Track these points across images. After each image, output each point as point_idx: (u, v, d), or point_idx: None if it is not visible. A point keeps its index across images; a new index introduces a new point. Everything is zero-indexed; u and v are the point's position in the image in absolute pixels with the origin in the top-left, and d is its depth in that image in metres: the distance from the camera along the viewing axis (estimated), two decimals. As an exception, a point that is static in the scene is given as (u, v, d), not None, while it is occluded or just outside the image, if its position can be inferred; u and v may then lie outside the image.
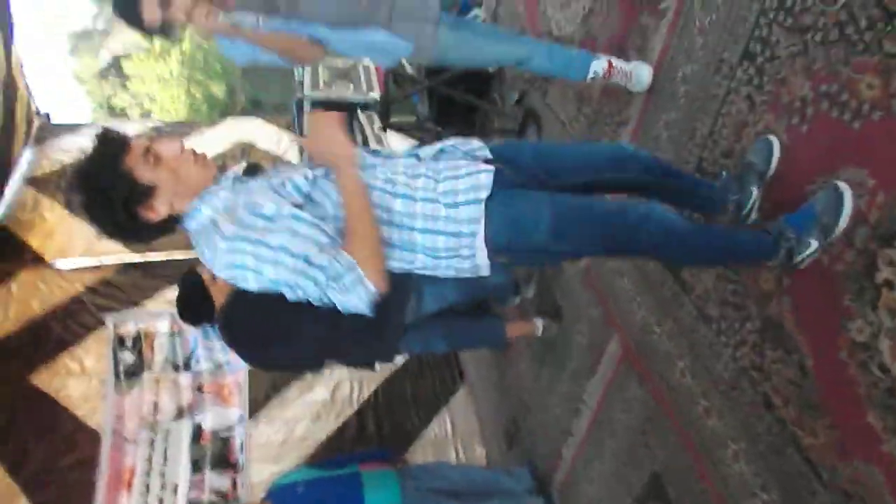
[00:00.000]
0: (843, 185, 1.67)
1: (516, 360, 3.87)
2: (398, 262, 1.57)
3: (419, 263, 1.58)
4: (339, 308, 1.42)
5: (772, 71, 1.95)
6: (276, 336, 2.28)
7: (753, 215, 1.93)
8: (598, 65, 2.65)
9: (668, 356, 2.43)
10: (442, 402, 4.48)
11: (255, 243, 1.38)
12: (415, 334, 2.96)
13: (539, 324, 3.33)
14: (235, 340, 2.48)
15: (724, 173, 2.06)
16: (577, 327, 3.14)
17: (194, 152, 1.51)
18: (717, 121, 2.20)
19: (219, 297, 2.40)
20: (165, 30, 2.13)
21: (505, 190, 1.60)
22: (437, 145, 1.70)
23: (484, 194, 1.56)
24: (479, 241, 1.56)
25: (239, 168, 1.62)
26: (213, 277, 2.49)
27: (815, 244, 1.70)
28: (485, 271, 1.62)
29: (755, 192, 1.89)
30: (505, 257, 1.63)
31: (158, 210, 1.48)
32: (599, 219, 1.65)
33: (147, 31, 2.13)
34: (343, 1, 2.30)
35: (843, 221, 1.66)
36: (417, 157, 1.67)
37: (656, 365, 2.50)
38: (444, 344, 3.12)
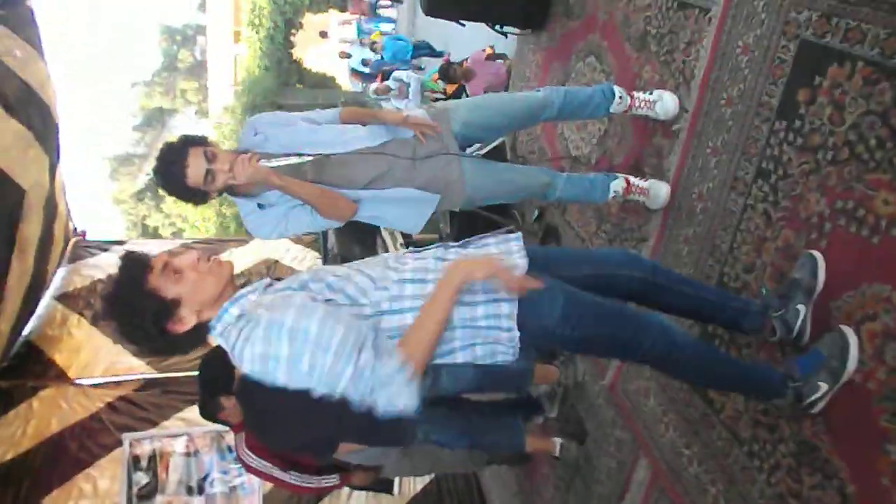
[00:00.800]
0: (847, 330, 1.69)
1: (542, 484, 3.70)
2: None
3: (457, 343, 1.57)
4: (379, 409, 1.43)
5: (786, 188, 1.98)
6: (291, 404, 2.25)
7: (806, 337, 1.82)
8: (617, 184, 2.71)
9: (699, 480, 2.31)
10: (464, 535, 4.25)
11: (292, 330, 1.37)
12: (435, 424, 2.88)
13: (557, 443, 3.21)
14: (250, 410, 2.44)
15: (764, 290, 2.01)
16: (605, 448, 3.02)
17: (207, 257, 1.55)
18: (737, 236, 2.21)
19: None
20: (203, 194, 2.18)
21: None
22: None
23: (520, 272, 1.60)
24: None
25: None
26: None
27: (824, 387, 1.69)
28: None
29: (803, 309, 1.79)
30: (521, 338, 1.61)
31: (186, 321, 1.51)
32: (605, 313, 1.66)
33: (189, 193, 2.17)
34: (366, 165, 2.34)
35: (851, 365, 1.66)
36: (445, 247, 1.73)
37: (688, 490, 2.37)
38: (464, 440, 3.03)
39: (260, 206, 2.34)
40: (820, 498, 1.79)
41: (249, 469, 2.95)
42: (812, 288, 1.80)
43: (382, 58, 10.04)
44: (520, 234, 1.73)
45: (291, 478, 2.94)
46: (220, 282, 1.53)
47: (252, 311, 1.47)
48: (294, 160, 2.21)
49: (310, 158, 2.25)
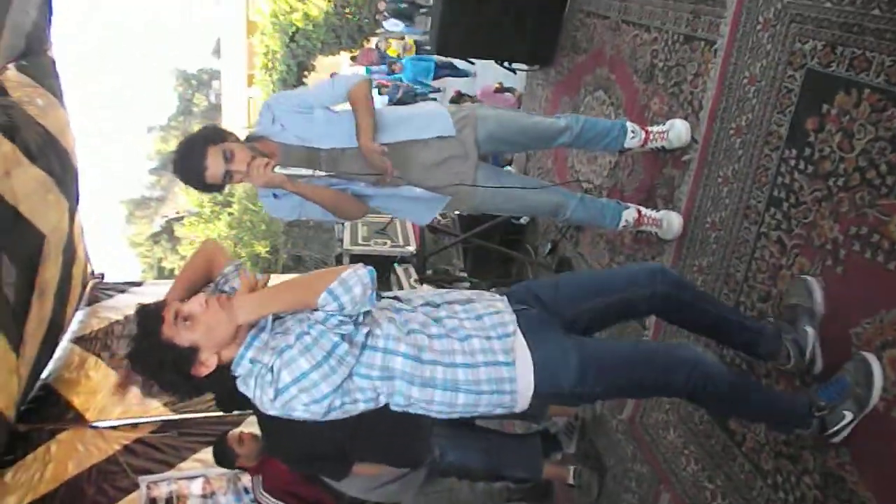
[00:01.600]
0: (870, 357, 1.66)
1: (562, 520, 3.63)
2: (439, 406, 1.58)
3: (461, 401, 1.59)
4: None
5: (799, 215, 1.98)
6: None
7: (819, 363, 1.83)
8: (629, 214, 2.72)
9: (724, 515, 2.26)
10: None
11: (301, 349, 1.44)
12: (453, 440, 2.85)
13: (570, 470, 3.17)
14: (267, 428, 2.44)
15: (771, 319, 2.01)
16: (625, 483, 2.97)
17: (217, 298, 1.55)
18: (751, 265, 2.20)
19: None
20: (220, 186, 2.21)
21: (532, 331, 1.63)
22: (451, 295, 1.75)
23: (511, 328, 1.62)
24: (520, 371, 1.58)
25: None
26: None
27: (849, 415, 1.66)
28: (522, 404, 1.62)
29: (811, 331, 1.82)
30: (534, 398, 1.63)
31: (208, 363, 1.52)
32: (626, 362, 1.66)
33: (207, 188, 2.21)
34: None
35: (877, 392, 1.63)
36: (434, 304, 1.71)
37: (713, 525, 2.32)
38: (480, 459, 2.99)
39: (275, 195, 2.38)
40: (848, 531, 1.75)
41: None
42: (811, 309, 1.83)
43: (402, 79, 9.67)
44: (505, 297, 1.72)
45: None
46: (231, 321, 1.52)
47: (259, 355, 1.51)
48: (307, 173, 2.22)
49: (323, 174, 2.26)
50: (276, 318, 1.60)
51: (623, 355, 1.67)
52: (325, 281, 1.45)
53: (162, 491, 3.87)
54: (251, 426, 2.99)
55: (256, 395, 1.47)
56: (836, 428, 1.68)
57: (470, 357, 1.57)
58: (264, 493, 2.98)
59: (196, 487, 3.93)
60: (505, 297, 1.71)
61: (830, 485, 1.81)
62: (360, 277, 1.45)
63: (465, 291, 1.78)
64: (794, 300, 1.88)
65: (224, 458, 3.16)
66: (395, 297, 1.72)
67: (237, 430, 3.29)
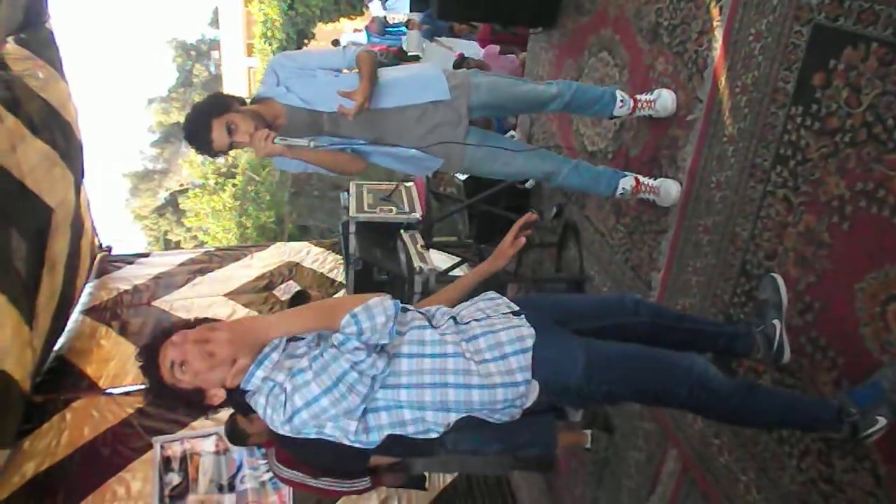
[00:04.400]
0: None
1: (571, 481, 3.70)
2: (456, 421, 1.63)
3: (476, 410, 1.64)
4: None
5: (805, 173, 1.98)
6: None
7: (786, 353, 1.90)
8: (626, 182, 2.77)
9: (729, 469, 2.31)
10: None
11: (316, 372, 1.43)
12: (463, 432, 2.89)
13: (588, 434, 3.21)
14: (291, 447, 2.47)
15: (740, 316, 2.15)
16: (633, 441, 3.02)
17: (199, 334, 1.51)
18: (757, 224, 2.21)
19: None
20: (226, 152, 2.38)
21: (540, 330, 1.61)
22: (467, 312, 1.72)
23: (529, 342, 1.58)
24: (535, 385, 1.59)
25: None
26: None
27: (883, 421, 1.61)
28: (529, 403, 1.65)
29: (778, 324, 1.91)
30: (542, 395, 1.63)
31: (217, 396, 1.53)
32: (632, 366, 1.63)
33: (215, 155, 2.40)
34: (377, 124, 2.46)
35: None
36: (455, 319, 1.68)
37: (719, 480, 2.37)
38: (494, 445, 3.02)
39: None
40: (853, 481, 1.78)
41: (282, 480, 2.99)
42: (779, 303, 1.94)
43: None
44: (523, 315, 1.67)
45: (323, 484, 2.98)
46: (227, 358, 1.50)
47: (272, 373, 1.50)
48: (304, 143, 2.29)
49: (323, 145, 2.33)
50: (291, 339, 1.59)
51: (629, 357, 1.64)
52: (351, 305, 1.43)
53: (176, 450, 3.96)
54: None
55: (267, 414, 1.46)
56: (868, 432, 1.63)
57: (487, 379, 1.57)
58: (278, 465, 3.05)
59: (209, 445, 4.02)
60: (523, 316, 1.66)
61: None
62: (385, 308, 1.43)
63: (481, 309, 1.72)
64: (763, 295, 2.00)
65: (236, 438, 3.23)
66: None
67: None
